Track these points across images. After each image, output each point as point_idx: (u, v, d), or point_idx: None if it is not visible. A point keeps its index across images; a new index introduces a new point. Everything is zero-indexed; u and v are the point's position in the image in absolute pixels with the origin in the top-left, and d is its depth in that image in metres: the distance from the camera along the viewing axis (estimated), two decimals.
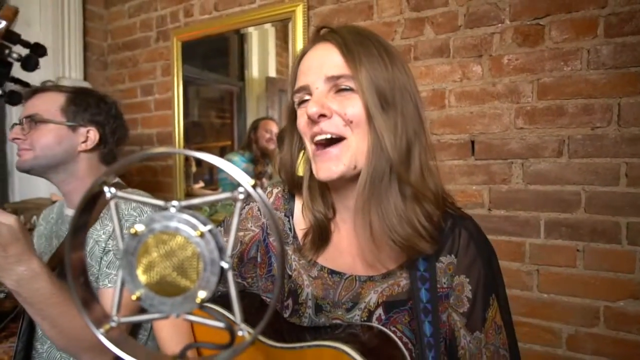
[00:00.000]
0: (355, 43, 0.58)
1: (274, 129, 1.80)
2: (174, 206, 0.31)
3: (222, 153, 1.87)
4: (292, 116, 0.65)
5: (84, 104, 0.98)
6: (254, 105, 1.82)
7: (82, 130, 0.97)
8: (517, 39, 1.21)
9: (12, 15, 0.58)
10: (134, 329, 0.94)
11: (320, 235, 0.66)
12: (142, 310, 0.32)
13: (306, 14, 1.54)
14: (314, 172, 0.61)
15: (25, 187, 1.88)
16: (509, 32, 1.22)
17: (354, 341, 0.55)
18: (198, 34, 1.83)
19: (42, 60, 1.86)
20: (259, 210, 0.74)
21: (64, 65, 1.98)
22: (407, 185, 0.57)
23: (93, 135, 0.98)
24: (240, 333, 0.31)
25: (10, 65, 0.61)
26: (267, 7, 1.63)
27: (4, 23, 0.57)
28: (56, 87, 1.00)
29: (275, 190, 0.75)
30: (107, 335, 0.32)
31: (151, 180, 1.97)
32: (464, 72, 1.28)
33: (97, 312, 0.35)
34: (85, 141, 0.97)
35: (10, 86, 0.68)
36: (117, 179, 1.06)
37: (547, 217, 1.19)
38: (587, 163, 1.14)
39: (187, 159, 1.91)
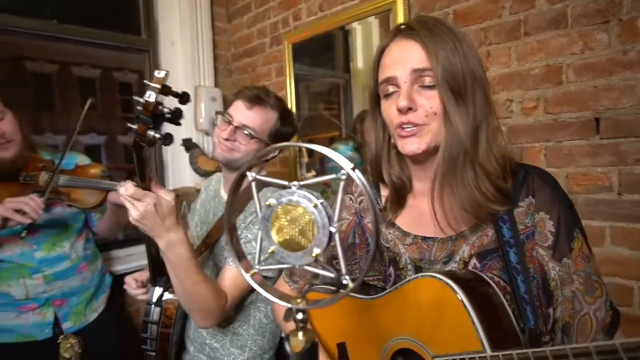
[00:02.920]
0: (432, 37, 0.66)
1: None
2: (294, 185, 0.42)
3: (330, 143, 2.03)
4: (376, 104, 0.75)
5: (287, 126, 1.17)
6: (359, 95, 1.90)
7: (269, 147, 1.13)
8: None
9: (161, 80, 0.76)
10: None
11: (398, 197, 0.77)
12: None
13: (407, 2, 1.56)
14: (400, 148, 0.71)
15: (177, 178, 2.32)
16: None
17: (447, 274, 0.64)
18: (306, 35, 1.99)
19: (183, 72, 2.22)
20: (350, 199, 0.85)
21: (199, 75, 2.36)
22: (476, 163, 0.65)
23: (273, 152, 1.15)
24: (344, 281, 0.40)
25: (163, 115, 0.79)
26: (368, 1, 1.70)
27: (158, 87, 0.75)
28: (270, 103, 1.14)
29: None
30: (252, 278, 0.46)
31: (271, 170, 2.22)
32: (585, 42, 1.16)
33: (244, 264, 0.48)
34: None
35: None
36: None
37: None
38: None
39: (299, 150, 2.10)
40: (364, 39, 1.85)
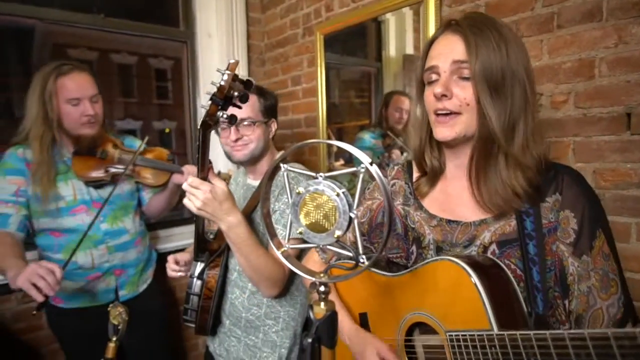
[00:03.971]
0: (476, 35, 0.70)
1: (405, 105, 1.87)
2: (320, 176, 0.48)
3: (359, 131, 2.08)
4: (421, 89, 0.81)
5: (269, 98, 1.28)
6: (391, 83, 1.93)
7: (270, 123, 1.28)
8: None
9: (234, 66, 0.86)
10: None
11: (432, 178, 0.83)
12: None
13: None
14: (434, 134, 0.77)
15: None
16: None
17: (464, 258, 0.69)
18: (338, 27, 2.02)
19: (218, 62, 2.32)
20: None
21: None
22: (510, 157, 0.69)
23: (274, 126, 1.30)
24: (360, 260, 0.47)
25: (232, 98, 0.89)
26: None
27: (230, 73, 0.85)
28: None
29: (396, 167, 0.94)
30: (283, 254, 0.53)
31: (299, 158, 2.30)
32: (620, 36, 1.14)
33: (276, 242, 0.55)
34: (272, 131, 1.29)
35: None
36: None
37: None
38: None
39: (328, 139, 2.17)
40: (397, 27, 1.86)
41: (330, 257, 0.97)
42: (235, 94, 0.86)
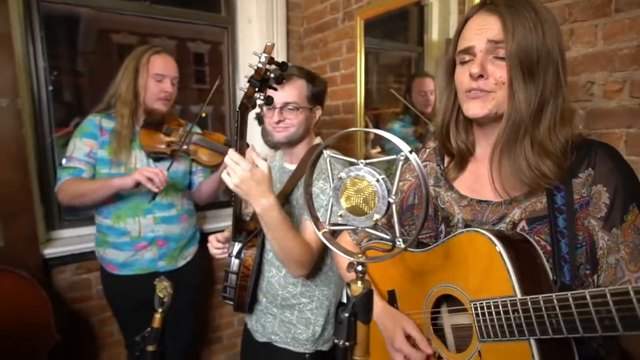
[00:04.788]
0: (512, 13, 0.69)
1: (429, 86, 1.82)
2: (362, 162, 0.51)
3: (394, 118, 2.06)
4: (451, 70, 0.80)
5: (318, 85, 1.30)
6: (432, 69, 1.88)
7: (314, 109, 1.31)
8: None
9: (271, 49, 0.89)
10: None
11: (460, 160, 0.83)
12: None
13: None
14: (464, 111, 0.77)
15: None
16: None
17: (491, 230, 0.70)
18: (379, 11, 2.00)
19: (258, 47, 2.37)
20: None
21: (274, 51, 2.47)
22: (535, 140, 0.69)
23: (319, 112, 1.33)
24: (397, 243, 0.49)
25: (269, 80, 0.92)
26: None
27: (267, 56, 0.88)
28: (295, 74, 1.26)
29: (428, 149, 0.95)
30: (324, 235, 0.56)
31: (337, 144, 2.32)
32: None
33: (318, 224, 0.59)
34: (315, 117, 1.32)
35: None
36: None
37: None
38: None
39: (366, 127, 2.17)
40: (440, 12, 1.81)
41: (361, 238, 1.00)
42: (272, 75, 0.89)
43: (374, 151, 2.23)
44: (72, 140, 1.58)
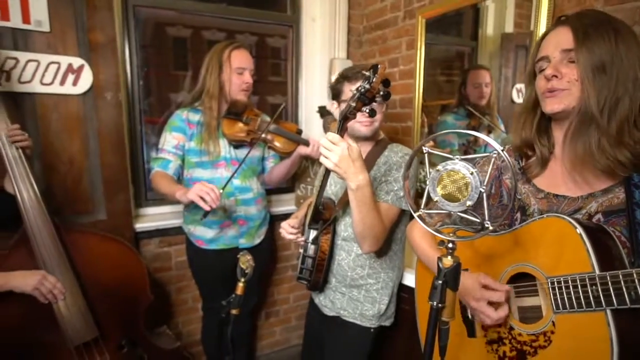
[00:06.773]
0: (586, 26, 0.78)
1: (485, 78, 1.83)
2: (457, 158, 0.63)
3: (442, 110, 2.12)
4: (532, 80, 0.90)
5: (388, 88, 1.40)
6: (486, 63, 1.90)
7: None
8: None
9: (384, 70, 0.97)
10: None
11: (542, 162, 0.91)
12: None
13: None
14: (543, 108, 0.86)
15: None
16: None
17: (571, 217, 0.78)
18: (441, 11, 2.06)
19: (320, 45, 2.52)
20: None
21: (335, 48, 2.61)
22: (606, 135, 0.76)
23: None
24: (486, 224, 0.61)
25: (376, 96, 1.01)
26: None
27: (379, 78, 0.97)
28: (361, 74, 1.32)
29: (507, 145, 1.04)
30: (418, 217, 0.69)
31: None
32: None
33: (414, 207, 0.71)
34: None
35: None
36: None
37: None
38: None
39: (422, 122, 2.24)
40: (497, 6, 1.83)
41: (435, 222, 1.11)
42: (381, 93, 1.00)
43: (428, 145, 2.30)
44: (163, 133, 1.79)
